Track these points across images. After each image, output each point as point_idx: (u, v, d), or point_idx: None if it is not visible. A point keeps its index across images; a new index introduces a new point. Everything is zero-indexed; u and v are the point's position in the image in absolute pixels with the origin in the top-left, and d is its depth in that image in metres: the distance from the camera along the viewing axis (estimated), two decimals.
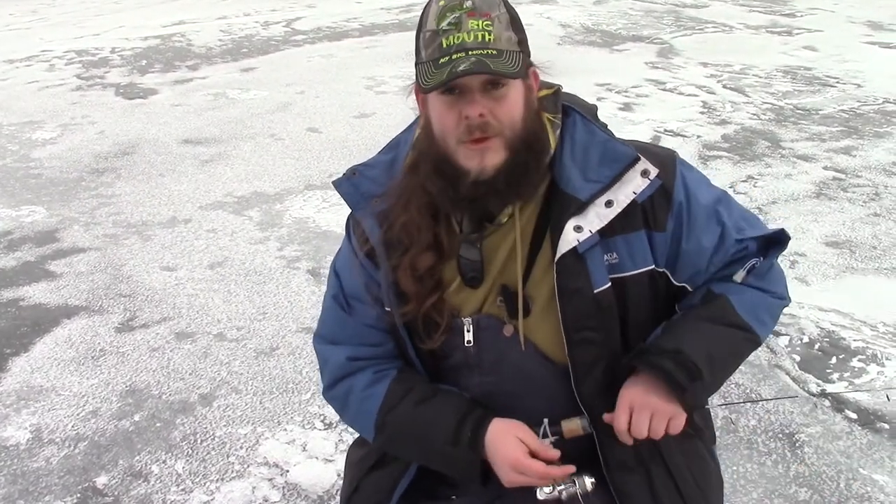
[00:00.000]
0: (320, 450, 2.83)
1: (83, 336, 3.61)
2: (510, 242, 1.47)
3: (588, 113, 1.56)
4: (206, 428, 2.99)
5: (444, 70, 1.32)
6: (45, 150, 6.10)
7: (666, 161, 1.50)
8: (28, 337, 3.62)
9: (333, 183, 1.57)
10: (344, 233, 1.63)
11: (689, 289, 1.54)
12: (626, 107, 6.70)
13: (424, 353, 1.55)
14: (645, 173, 1.45)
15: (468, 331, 1.50)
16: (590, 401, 1.49)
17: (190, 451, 2.87)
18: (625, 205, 1.43)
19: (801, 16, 10.48)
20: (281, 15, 11.41)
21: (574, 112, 1.52)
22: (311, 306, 3.77)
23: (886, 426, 2.87)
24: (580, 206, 1.43)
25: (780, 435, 2.84)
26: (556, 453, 1.45)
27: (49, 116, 6.98)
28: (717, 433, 2.85)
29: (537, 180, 1.46)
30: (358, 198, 1.54)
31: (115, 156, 5.94)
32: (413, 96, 1.50)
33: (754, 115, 6.50)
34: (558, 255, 1.42)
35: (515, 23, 1.40)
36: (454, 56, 1.32)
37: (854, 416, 2.93)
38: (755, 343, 1.54)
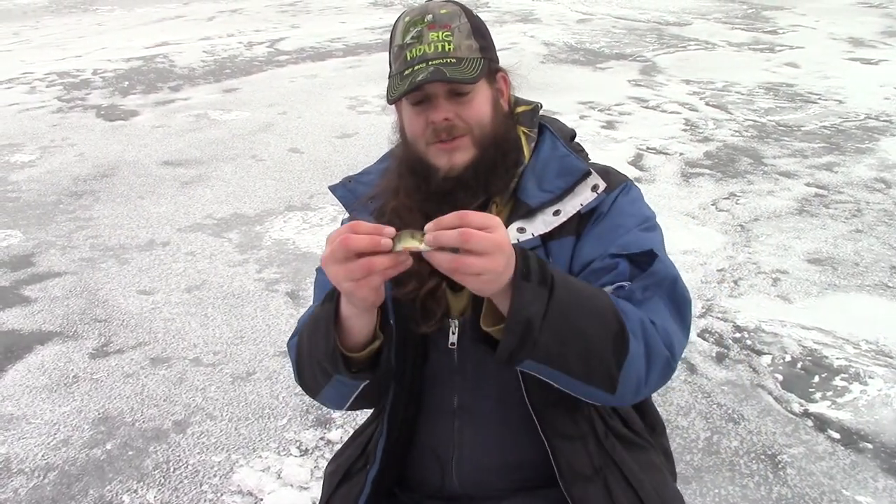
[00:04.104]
0: (295, 477, 2.77)
1: (56, 362, 3.55)
2: None
3: (562, 134, 1.59)
4: (179, 456, 2.93)
5: (406, 81, 1.40)
6: (23, 173, 6.04)
7: (614, 182, 1.53)
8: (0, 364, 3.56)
9: (329, 187, 1.64)
10: None
11: None
12: (609, 125, 6.69)
13: (412, 342, 1.52)
14: (595, 188, 1.49)
15: (453, 332, 1.51)
16: (540, 407, 1.47)
17: (162, 480, 2.80)
18: (570, 215, 1.48)
19: (783, 33, 10.54)
20: (265, 35, 11.41)
21: (546, 130, 1.58)
22: (290, 329, 3.71)
23: (870, 446, 2.84)
24: (529, 212, 1.48)
25: (763, 456, 2.80)
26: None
27: (29, 139, 6.92)
28: (699, 455, 2.82)
29: (507, 178, 1.50)
30: (353, 200, 1.61)
31: (94, 178, 5.89)
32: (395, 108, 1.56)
33: (736, 132, 6.51)
34: None
35: (477, 31, 1.47)
36: (416, 67, 1.40)
37: (837, 435, 2.90)
38: (619, 325, 1.29)
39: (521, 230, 1.46)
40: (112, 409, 3.21)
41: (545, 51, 9.69)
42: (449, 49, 1.41)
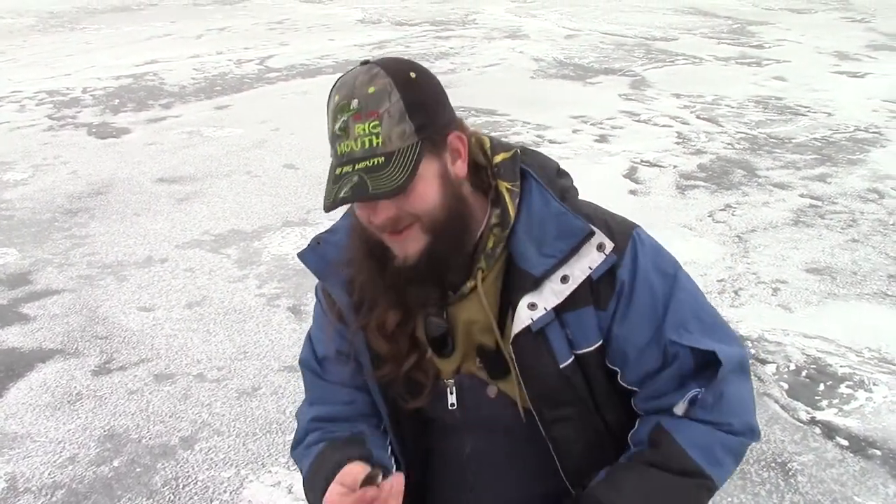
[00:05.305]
0: None
1: (59, 380, 3.52)
2: (475, 310, 1.42)
3: (546, 174, 1.47)
4: (187, 472, 2.91)
5: (333, 191, 1.28)
6: (16, 191, 6.01)
7: (621, 236, 1.41)
8: (1, 382, 3.52)
9: (299, 255, 1.52)
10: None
11: (621, 378, 1.44)
12: (602, 138, 6.72)
13: (406, 415, 1.51)
14: (601, 247, 1.37)
15: (451, 393, 1.47)
16: (575, 478, 1.45)
17: (172, 497, 2.78)
18: (581, 280, 1.37)
19: (769, 47, 10.65)
20: (254, 52, 11.41)
21: (530, 178, 1.43)
22: (293, 344, 3.71)
23: (878, 452, 2.86)
24: (535, 282, 1.36)
25: (773, 464, 2.81)
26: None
27: (20, 157, 6.88)
28: None
29: (462, 262, 1.40)
30: (324, 267, 1.50)
31: (88, 196, 5.86)
32: None
33: (729, 144, 6.56)
34: (513, 334, 1.37)
35: (413, 107, 1.29)
36: (344, 170, 1.28)
37: (845, 442, 2.91)
38: (710, 489, 1.40)
39: (533, 306, 1.36)
40: (117, 425, 3.19)
41: (535, 66, 9.74)
42: (377, 143, 1.27)
